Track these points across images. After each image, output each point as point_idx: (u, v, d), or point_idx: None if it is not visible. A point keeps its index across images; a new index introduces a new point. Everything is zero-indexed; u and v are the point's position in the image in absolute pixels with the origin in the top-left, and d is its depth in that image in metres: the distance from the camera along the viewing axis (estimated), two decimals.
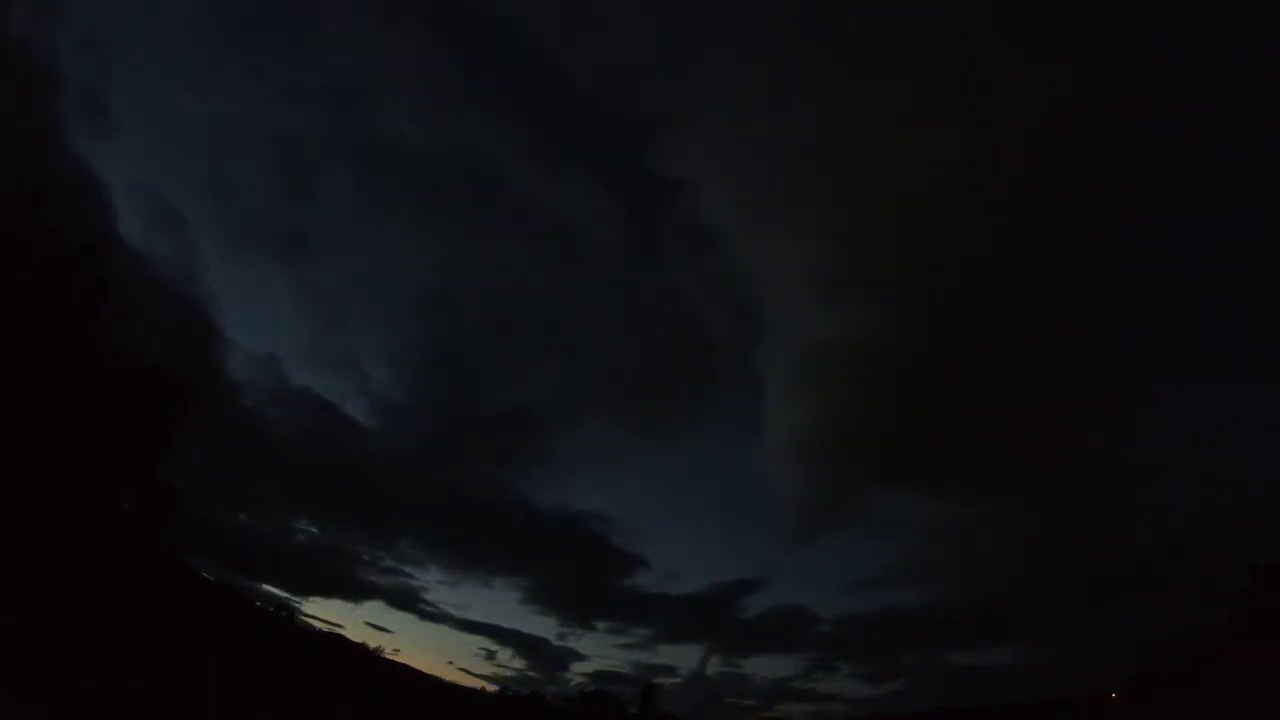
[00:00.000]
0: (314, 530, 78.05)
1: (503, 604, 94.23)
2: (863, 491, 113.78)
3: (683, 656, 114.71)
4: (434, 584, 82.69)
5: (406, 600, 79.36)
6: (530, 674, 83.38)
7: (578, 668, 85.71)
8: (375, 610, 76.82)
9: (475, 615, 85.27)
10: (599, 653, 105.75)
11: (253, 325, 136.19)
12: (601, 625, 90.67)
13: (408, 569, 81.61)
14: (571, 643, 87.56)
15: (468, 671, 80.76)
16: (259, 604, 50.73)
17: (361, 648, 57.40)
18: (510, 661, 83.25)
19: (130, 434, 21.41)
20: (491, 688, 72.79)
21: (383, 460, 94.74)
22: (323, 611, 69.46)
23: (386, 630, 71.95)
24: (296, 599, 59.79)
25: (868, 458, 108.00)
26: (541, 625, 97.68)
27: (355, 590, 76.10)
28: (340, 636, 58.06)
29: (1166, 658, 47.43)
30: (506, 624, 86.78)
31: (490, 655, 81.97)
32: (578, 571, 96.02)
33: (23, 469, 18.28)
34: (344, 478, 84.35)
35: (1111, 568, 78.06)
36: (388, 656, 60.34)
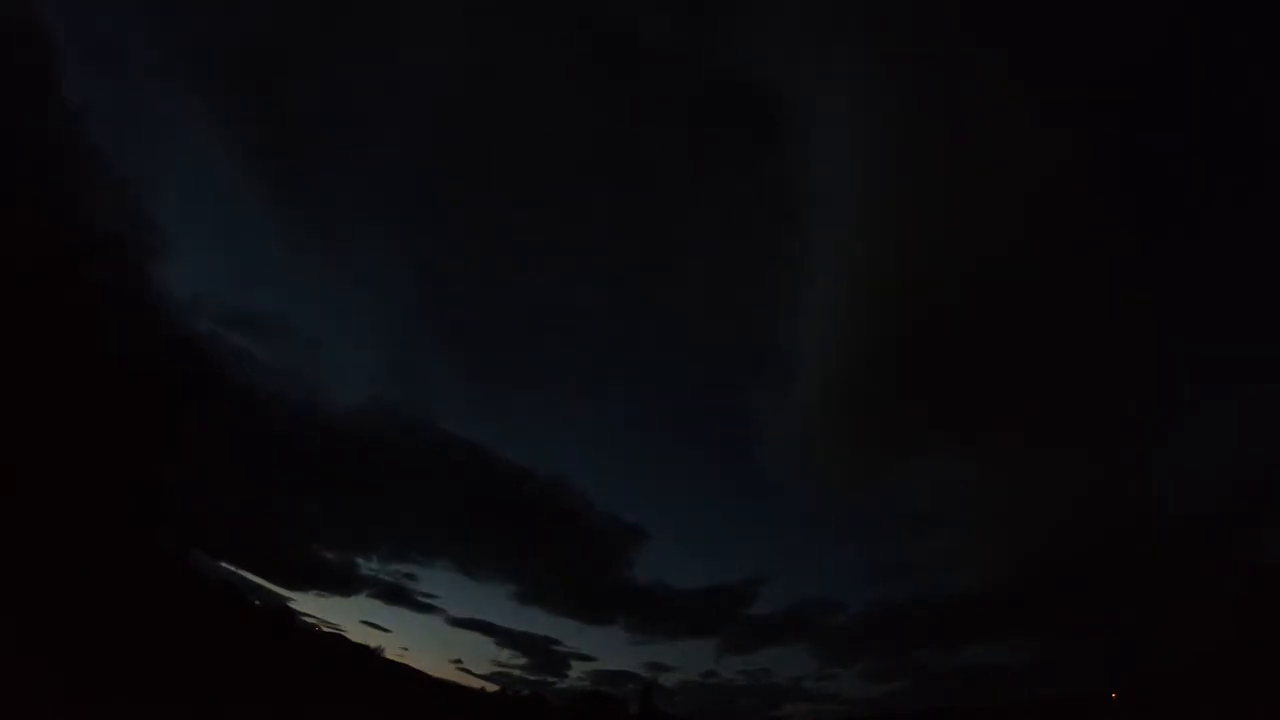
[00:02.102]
0: (301, 512, 71.40)
1: (506, 601, 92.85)
2: (896, 453, 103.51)
3: (694, 653, 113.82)
4: (435, 577, 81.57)
5: (406, 597, 78.80)
6: (532, 674, 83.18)
7: (582, 667, 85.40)
8: (373, 608, 76.29)
9: (477, 613, 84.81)
10: (607, 651, 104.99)
11: (200, 202, 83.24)
12: (611, 622, 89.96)
13: (411, 555, 79.66)
14: (580, 641, 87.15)
15: (469, 671, 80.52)
16: (259, 603, 50.77)
17: (362, 648, 57.49)
18: (512, 661, 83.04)
19: (129, 434, 21.44)
20: (493, 687, 72.75)
21: (378, 407, 76.00)
22: (319, 608, 68.57)
23: (385, 630, 71.69)
24: (290, 595, 59.56)
25: (906, 408, 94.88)
26: (547, 622, 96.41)
27: (352, 585, 75.06)
28: (341, 637, 58.14)
29: (1166, 658, 47.45)
30: (509, 623, 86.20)
31: (494, 655, 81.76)
32: (585, 564, 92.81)
33: (22, 469, 18.29)
34: (323, 435, 70.00)
35: (1126, 557, 75.15)
36: (389, 657, 60.46)
